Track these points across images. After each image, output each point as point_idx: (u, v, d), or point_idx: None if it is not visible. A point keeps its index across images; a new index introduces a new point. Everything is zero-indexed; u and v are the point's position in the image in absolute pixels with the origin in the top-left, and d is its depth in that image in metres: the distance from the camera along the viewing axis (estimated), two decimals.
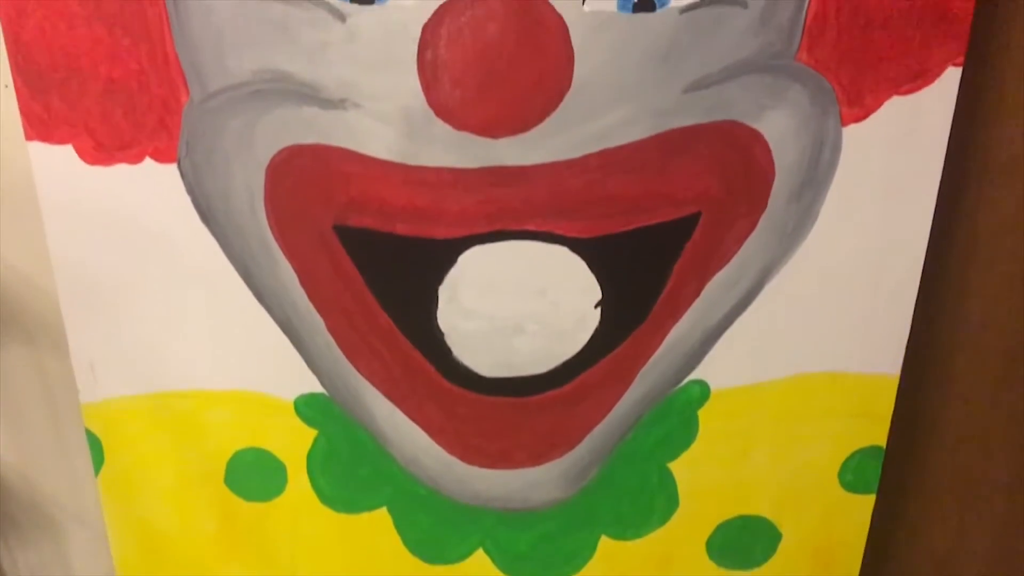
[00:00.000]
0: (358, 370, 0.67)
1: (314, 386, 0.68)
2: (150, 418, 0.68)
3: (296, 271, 0.64)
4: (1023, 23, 0.62)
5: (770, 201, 0.63)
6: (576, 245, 0.64)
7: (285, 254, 0.63)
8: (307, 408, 0.69)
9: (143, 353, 0.66)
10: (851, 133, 0.62)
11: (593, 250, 0.64)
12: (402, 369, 0.67)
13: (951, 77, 0.60)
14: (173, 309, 0.65)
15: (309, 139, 0.60)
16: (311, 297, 0.65)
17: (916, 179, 0.63)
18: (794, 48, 0.60)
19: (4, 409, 0.77)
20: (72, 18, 0.56)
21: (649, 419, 0.70)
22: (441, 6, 0.57)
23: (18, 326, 0.74)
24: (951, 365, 0.74)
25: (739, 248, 0.65)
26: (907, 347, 0.69)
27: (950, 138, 0.62)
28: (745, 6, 0.58)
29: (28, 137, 0.59)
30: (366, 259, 0.64)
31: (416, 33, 0.57)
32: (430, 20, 0.57)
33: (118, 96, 0.58)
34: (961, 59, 0.60)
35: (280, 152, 0.60)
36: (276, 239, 0.63)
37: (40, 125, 0.59)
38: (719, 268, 0.66)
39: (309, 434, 0.69)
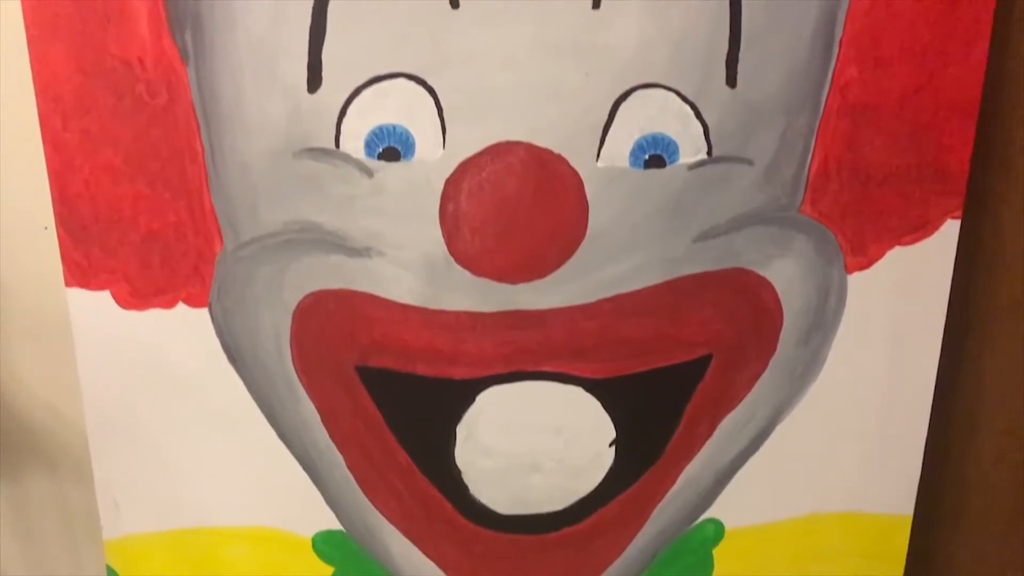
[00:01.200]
0: (376, 507, 0.68)
1: (332, 523, 0.69)
2: (170, 554, 0.69)
3: (318, 410, 0.66)
4: (1018, 178, 0.65)
5: (779, 345, 0.66)
6: (591, 386, 0.66)
7: (308, 394, 0.65)
8: (325, 545, 0.69)
9: (166, 490, 0.68)
10: (856, 281, 0.64)
11: (607, 390, 0.66)
12: (420, 506, 0.68)
13: (950, 229, 0.63)
14: (197, 447, 0.67)
15: (335, 285, 0.63)
16: (332, 435, 0.66)
17: (921, 324, 0.65)
18: (798, 201, 0.63)
19: (24, 537, 0.78)
20: (116, 174, 0.60)
21: (664, 557, 0.71)
22: (463, 163, 0.60)
23: (43, 456, 0.75)
24: (964, 503, 0.74)
25: (750, 390, 0.67)
26: (919, 486, 0.69)
27: (953, 284, 0.65)
28: (750, 163, 0.61)
29: (68, 283, 0.62)
30: (386, 398, 0.66)
31: (439, 187, 0.61)
32: (452, 175, 0.60)
33: (156, 246, 0.61)
34: (959, 212, 0.63)
35: (307, 297, 0.63)
36: (300, 379, 0.65)
37: (80, 273, 0.62)
38: (731, 409, 0.67)
39: (326, 571, 0.70)
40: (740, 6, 0.58)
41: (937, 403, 0.68)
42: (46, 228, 0.65)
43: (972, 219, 0.64)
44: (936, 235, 0.63)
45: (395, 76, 0.59)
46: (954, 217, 0.63)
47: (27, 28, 0.56)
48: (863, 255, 0.64)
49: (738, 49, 0.59)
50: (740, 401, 0.67)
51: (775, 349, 0.66)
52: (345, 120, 0.59)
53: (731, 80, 0.60)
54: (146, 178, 0.60)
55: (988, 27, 0.59)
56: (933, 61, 0.59)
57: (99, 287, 0.62)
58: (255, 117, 0.59)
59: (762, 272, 0.64)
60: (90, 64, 0.57)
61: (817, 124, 0.61)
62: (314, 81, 0.59)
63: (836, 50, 0.60)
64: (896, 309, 0.65)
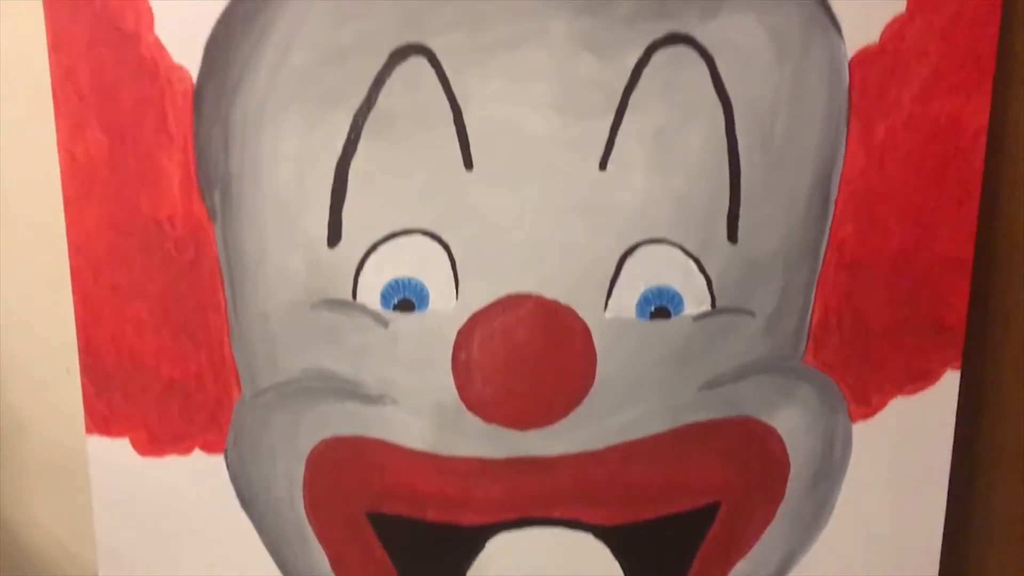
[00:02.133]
0: None
1: None
2: None
3: (329, 557, 0.66)
4: (1015, 329, 0.67)
5: (787, 492, 0.66)
6: (600, 532, 0.66)
7: (319, 540, 0.66)
8: None
9: None
10: (860, 429, 0.65)
11: (616, 537, 0.66)
12: None
13: (951, 379, 0.65)
14: None
15: (349, 431, 0.64)
16: None
17: (927, 472, 0.66)
18: (800, 351, 0.64)
19: None
20: (142, 325, 0.62)
21: None
22: (475, 314, 0.62)
23: None
24: None
25: (760, 537, 0.67)
26: None
27: (957, 432, 0.66)
28: (753, 315, 0.64)
29: (89, 431, 0.63)
30: (397, 544, 0.66)
31: (451, 337, 0.63)
32: (464, 326, 0.62)
33: (176, 394, 0.63)
34: (958, 363, 0.64)
35: (320, 444, 0.64)
36: (312, 525, 0.65)
37: (101, 421, 0.63)
38: (741, 556, 0.67)
39: None
40: (739, 167, 0.61)
41: (946, 548, 0.68)
42: (68, 371, 0.67)
43: (973, 369, 0.66)
44: (937, 385, 0.65)
45: (411, 232, 0.62)
46: (954, 368, 0.64)
47: (64, 190, 0.60)
48: (866, 404, 0.65)
49: (738, 207, 0.62)
50: (750, 548, 0.67)
51: (783, 496, 0.66)
52: (362, 273, 0.62)
53: (732, 236, 0.62)
54: (170, 329, 0.62)
55: (977, 188, 0.62)
56: (926, 220, 0.62)
57: (119, 434, 0.64)
58: (277, 271, 0.62)
59: (768, 420, 0.65)
60: (123, 223, 0.60)
61: (816, 278, 0.63)
62: (334, 237, 0.62)
63: (832, 209, 0.62)
64: (902, 457, 0.66)
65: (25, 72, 0.62)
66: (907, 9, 0.59)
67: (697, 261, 0.62)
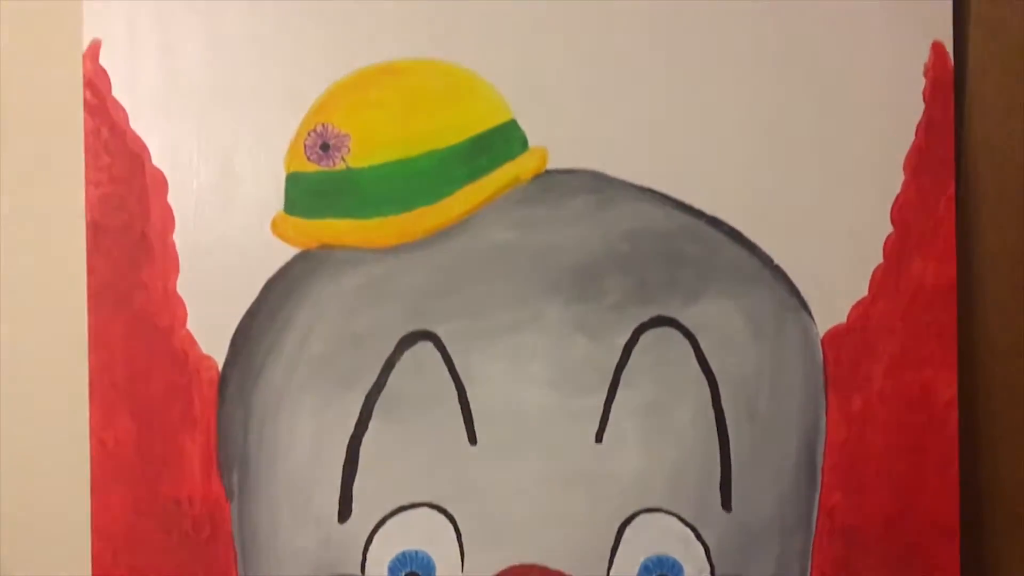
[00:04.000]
0: None
1: None
2: None
3: None
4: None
5: None
6: None
7: None
8: None
9: None
10: None
11: None
12: None
13: None
14: None
15: None
16: None
17: None
18: None
19: None
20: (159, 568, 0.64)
21: None
22: None
23: None
24: None
25: None
26: None
27: None
28: None
29: None
30: None
31: None
32: None
33: None
34: None
35: None
36: None
37: None
38: None
39: None
40: (728, 439, 0.65)
41: None
42: None
43: None
44: None
45: (418, 506, 0.64)
46: None
47: (92, 475, 0.64)
48: None
49: (730, 476, 0.65)
50: None
51: None
52: (371, 547, 0.64)
53: (726, 504, 0.65)
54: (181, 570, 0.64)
55: (955, 456, 0.65)
56: (909, 487, 0.65)
57: None
58: (288, 547, 0.64)
59: None
60: (144, 504, 0.64)
61: (811, 545, 0.65)
62: (345, 512, 0.64)
63: (820, 477, 0.65)
64: None
65: (63, 361, 0.68)
66: (869, 292, 0.65)
67: (694, 529, 0.65)
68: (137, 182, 0.64)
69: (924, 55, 0.66)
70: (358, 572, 0.64)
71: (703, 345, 0.65)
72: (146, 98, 0.64)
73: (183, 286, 0.64)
